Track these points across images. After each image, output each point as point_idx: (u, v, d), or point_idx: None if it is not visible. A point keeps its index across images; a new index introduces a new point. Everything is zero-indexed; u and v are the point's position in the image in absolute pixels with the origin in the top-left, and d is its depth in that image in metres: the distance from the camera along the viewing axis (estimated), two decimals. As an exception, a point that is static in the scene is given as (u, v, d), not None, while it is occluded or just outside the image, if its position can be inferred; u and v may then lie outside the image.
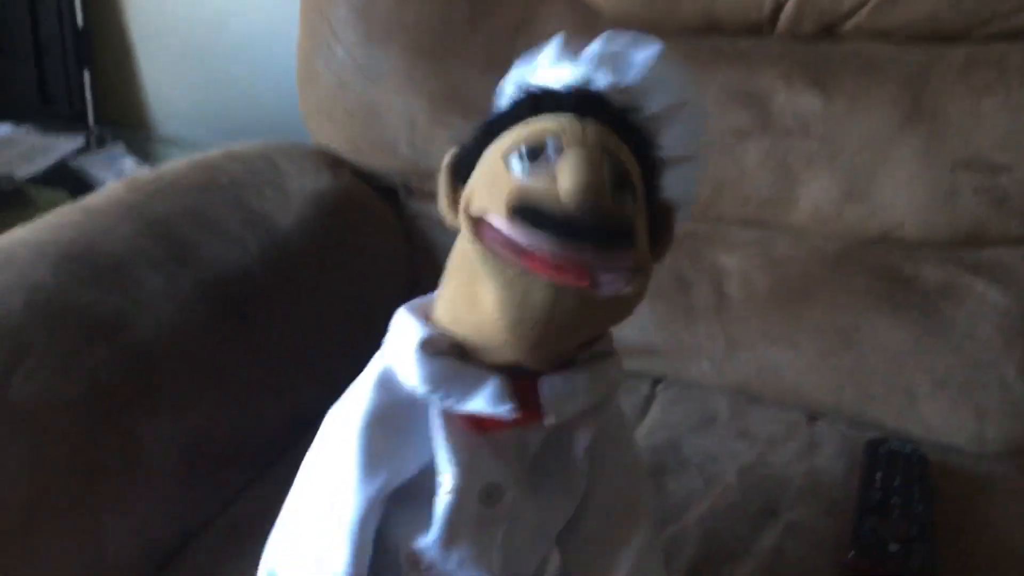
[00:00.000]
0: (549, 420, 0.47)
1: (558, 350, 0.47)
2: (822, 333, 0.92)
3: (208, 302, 0.81)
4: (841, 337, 0.92)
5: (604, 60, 0.47)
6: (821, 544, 0.74)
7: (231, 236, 0.87)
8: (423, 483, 0.50)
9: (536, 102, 0.46)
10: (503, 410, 0.46)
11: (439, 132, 1.01)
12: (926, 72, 0.91)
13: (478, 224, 0.44)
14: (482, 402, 0.46)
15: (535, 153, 0.43)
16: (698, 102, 0.50)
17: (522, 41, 0.98)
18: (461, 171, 0.47)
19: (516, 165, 0.43)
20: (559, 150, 0.42)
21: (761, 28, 0.96)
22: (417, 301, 0.51)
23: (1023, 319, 0.89)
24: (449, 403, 0.47)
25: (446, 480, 0.48)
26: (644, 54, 0.48)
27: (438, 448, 0.48)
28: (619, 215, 0.43)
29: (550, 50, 0.50)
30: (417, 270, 1.05)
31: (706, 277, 0.97)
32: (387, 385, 0.49)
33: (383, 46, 1.02)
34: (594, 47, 0.48)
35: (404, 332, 0.48)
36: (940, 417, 0.88)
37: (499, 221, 0.43)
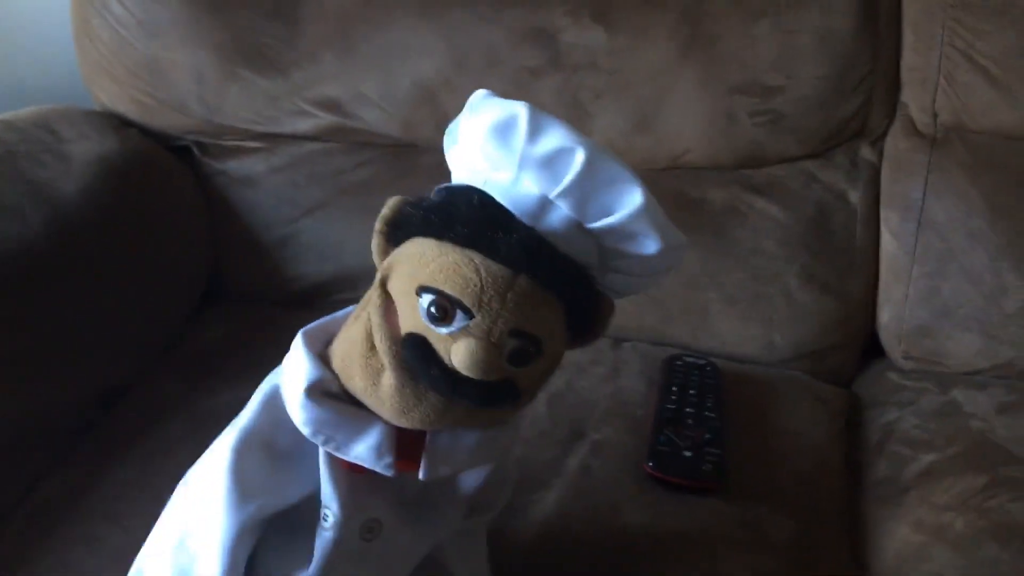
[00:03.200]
0: (424, 475, 0.49)
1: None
2: (622, 260, 0.96)
3: (-15, 281, 0.76)
4: (640, 263, 0.96)
5: (572, 192, 0.45)
6: (624, 458, 0.78)
7: (8, 209, 0.82)
8: (304, 513, 0.50)
9: (480, 236, 0.44)
10: (380, 465, 0.47)
11: (229, 86, 0.98)
12: (702, 0, 0.95)
13: (389, 306, 0.46)
14: (362, 453, 0.47)
15: (443, 313, 0.43)
16: (677, 252, 0.49)
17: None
18: (397, 226, 0.47)
19: (423, 310, 0.44)
20: (464, 324, 0.43)
21: (545, -35, 0.97)
22: (320, 325, 0.51)
23: (802, 232, 0.96)
24: (330, 448, 0.47)
25: (329, 516, 0.49)
26: (620, 202, 0.46)
27: (324, 482, 0.48)
28: (504, 385, 0.45)
29: (483, 127, 0.46)
30: (217, 229, 1.02)
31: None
32: (274, 404, 0.49)
33: (162, -2, 0.97)
34: (572, 175, 0.45)
35: (295, 367, 0.48)
36: (733, 331, 0.94)
37: (401, 328, 0.45)
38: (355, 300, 0.50)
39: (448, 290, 0.43)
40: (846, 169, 0.97)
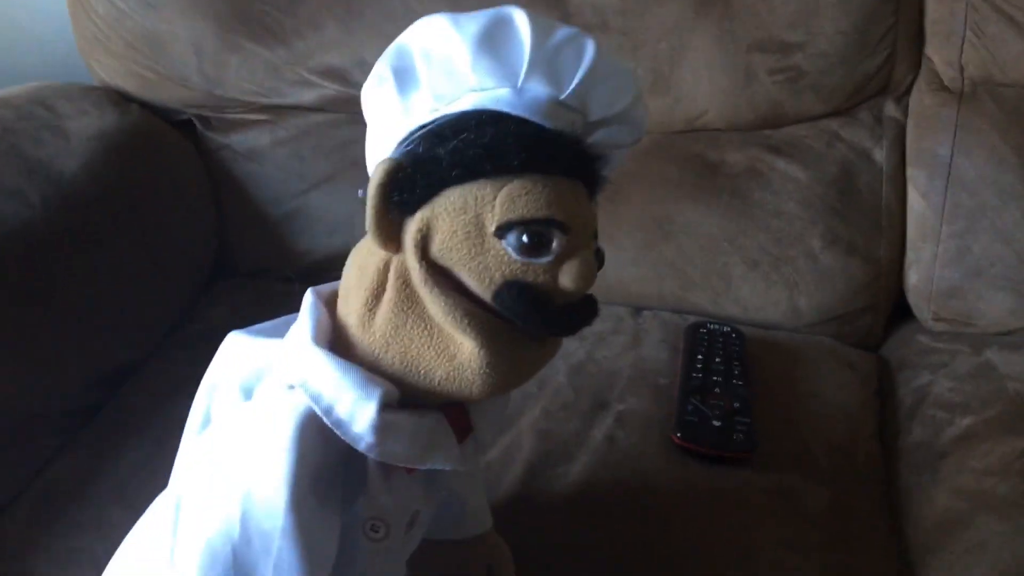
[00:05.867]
0: (474, 447, 0.46)
1: None
2: (640, 227, 0.93)
3: (-13, 264, 0.74)
4: (658, 229, 0.93)
5: (538, 65, 0.42)
6: (650, 429, 0.76)
7: (7, 189, 0.79)
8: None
9: (532, 158, 0.41)
10: (456, 462, 0.44)
11: (230, 57, 0.95)
12: (717, -45, 0.91)
13: (442, 274, 0.41)
14: (439, 457, 0.43)
15: (539, 244, 0.40)
16: (633, 88, 0.47)
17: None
18: (402, 192, 0.41)
19: (513, 245, 0.40)
20: (562, 246, 0.40)
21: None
22: (321, 322, 0.44)
23: (825, 192, 0.93)
24: (409, 463, 0.43)
25: (382, 527, 0.45)
26: (581, 60, 0.43)
27: (377, 495, 0.44)
28: (593, 301, 0.43)
29: (468, 40, 0.42)
30: (223, 204, 1.00)
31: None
32: (308, 441, 0.41)
33: (158, -33, 0.94)
34: (524, 48, 0.42)
35: (346, 389, 0.41)
36: (756, 296, 0.91)
37: (477, 288, 0.41)
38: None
39: (536, 215, 0.40)
40: (870, 127, 0.94)
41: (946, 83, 0.92)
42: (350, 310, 0.43)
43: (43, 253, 0.78)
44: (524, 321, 0.41)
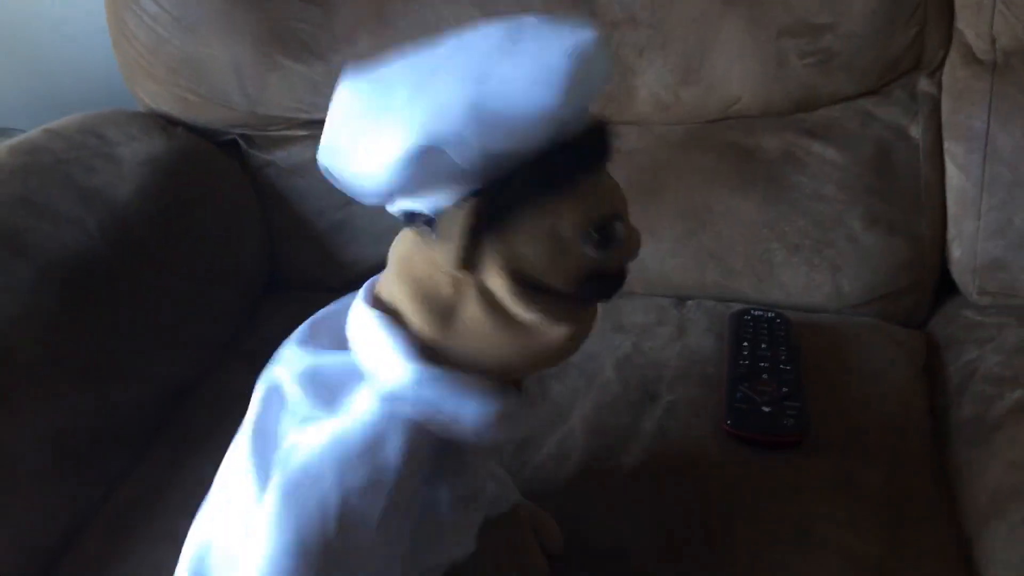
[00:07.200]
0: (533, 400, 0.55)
1: None
2: (678, 218, 0.94)
3: (51, 290, 0.77)
4: (697, 219, 0.94)
5: (576, 85, 0.43)
6: (700, 418, 0.77)
7: (65, 217, 0.82)
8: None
9: (574, 161, 0.45)
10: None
11: (269, 75, 0.98)
12: (741, -57, 0.92)
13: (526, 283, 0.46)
14: (529, 430, 0.54)
15: (610, 237, 0.46)
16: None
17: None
18: (486, 225, 0.45)
19: (592, 243, 0.45)
20: (624, 230, 0.47)
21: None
22: (403, 342, 0.47)
23: (863, 173, 0.93)
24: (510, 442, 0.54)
25: (487, 488, 0.54)
26: (597, 69, 0.44)
27: (477, 473, 0.53)
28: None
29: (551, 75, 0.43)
30: (270, 220, 1.02)
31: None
32: (417, 447, 0.47)
33: (195, -8, 0.97)
34: (565, 73, 0.43)
35: (464, 397, 0.47)
36: (798, 280, 0.92)
37: (561, 286, 0.46)
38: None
39: (602, 216, 0.45)
40: (904, 104, 0.94)
41: (978, 55, 0.92)
42: (421, 321, 0.47)
43: (102, 277, 0.81)
44: (605, 299, 0.48)
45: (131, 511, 0.73)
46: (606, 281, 0.47)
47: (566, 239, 0.45)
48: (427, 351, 0.47)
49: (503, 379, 0.49)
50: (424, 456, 0.47)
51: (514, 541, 0.60)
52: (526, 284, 0.46)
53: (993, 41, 0.91)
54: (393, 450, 0.46)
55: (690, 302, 0.93)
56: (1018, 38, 0.90)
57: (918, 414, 0.79)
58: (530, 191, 0.44)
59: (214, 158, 1.01)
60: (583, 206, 0.45)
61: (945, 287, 0.95)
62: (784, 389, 0.76)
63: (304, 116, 1.00)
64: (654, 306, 0.92)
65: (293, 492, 0.45)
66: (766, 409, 0.74)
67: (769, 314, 0.87)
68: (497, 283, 0.45)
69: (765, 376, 0.78)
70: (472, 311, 0.46)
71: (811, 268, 0.92)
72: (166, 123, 1.00)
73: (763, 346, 0.82)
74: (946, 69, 0.94)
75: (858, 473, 0.71)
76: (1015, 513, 0.66)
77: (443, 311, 0.47)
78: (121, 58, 1.02)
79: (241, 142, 1.03)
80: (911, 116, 0.94)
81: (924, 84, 0.94)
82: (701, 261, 0.93)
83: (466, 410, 0.47)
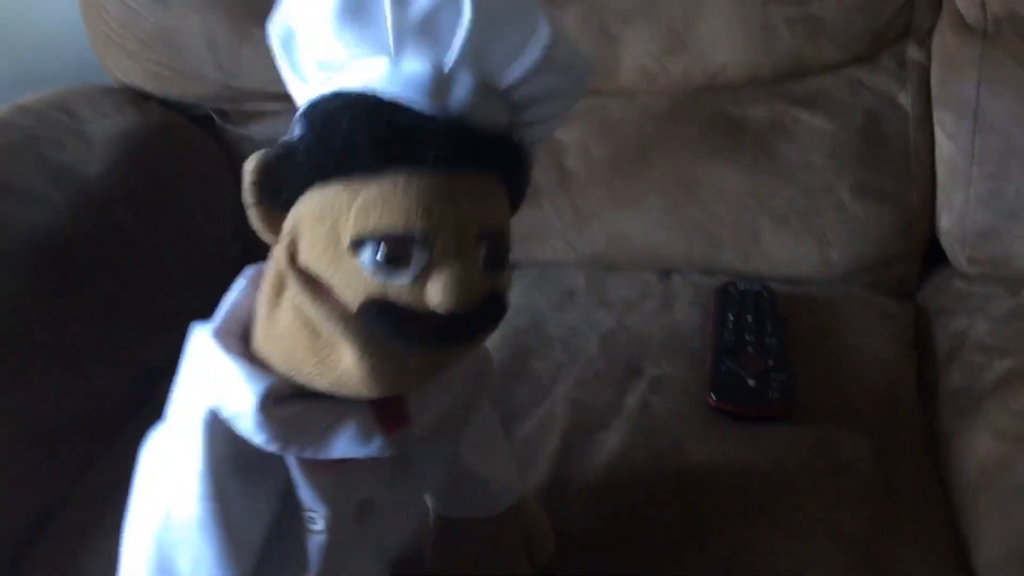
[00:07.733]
0: (419, 431, 0.43)
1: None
2: (665, 190, 0.92)
3: (20, 272, 0.75)
4: (683, 190, 0.92)
5: (410, 30, 0.36)
6: (685, 393, 0.75)
7: (34, 196, 0.80)
8: (284, 523, 0.44)
9: (391, 152, 0.36)
10: (371, 449, 0.40)
11: (244, 49, 0.95)
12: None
13: (315, 284, 0.37)
14: (346, 446, 0.40)
15: (396, 257, 0.35)
16: (586, 79, 0.42)
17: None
18: (273, 186, 0.38)
19: (367, 262, 0.36)
20: (427, 256, 0.36)
21: None
22: (227, 318, 0.42)
23: (852, 141, 0.91)
24: (308, 454, 0.40)
25: (318, 519, 0.43)
26: (525, 44, 0.38)
27: (301, 489, 0.42)
28: (492, 304, 0.38)
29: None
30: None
31: (545, 155, 0.95)
32: (218, 434, 0.40)
33: (167, -37, 0.94)
34: (464, 29, 0.36)
35: (231, 383, 0.39)
36: (786, 251, 0.91)
37: (344, 300, 0.37)
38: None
39: (390, 229, 0.35)
40: (893, 72, 0.92)
41: (968, 22, 0.90)
42: (262, 299, 0.40)
43: (72, 256, 0.79)
44: (392, 340, 0.37)
45: (102, 497, 0.71)
46: (392, 317, 0.36)
47: (344, 246, 0.36)
48: (251, 331, 0.41)
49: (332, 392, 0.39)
50: (234, 448, 0.40)
51: (503, 546, 0.58)
52: (309, 277, 0.38)
53: (984, 7, 0.89)
54: (196, 430, 0.40)
55: (676, 275, 0.92)
56: (1008, 4, 0.87)
57: (907, 385, 0.78)
58: (318, 164, 0.36)
59: (188, 133, 0.99)
60: (375, 211, 0.35)
61: (934, 256, 0.94)
62: (769, 362, 0.75)
63: (278, 89, 0.95)
64: (639, 280, 0.90)
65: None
66: (751, 382, 0.73)
67: (755, 287, 0.86)
68: (282, 267, 0.38)
69: (750, 349, 0.77)
70: (289, 295, 0.39)
71: (799, 238, 0.90)
72: (138, 98, 0.98)
73: (748, 319, 0.81)
74: (936, 36, 0.92)
75: (846, 447, 0.70)
76: (1003, 484, 0.65)
77: (271, 292, 0.39)
78: (92, 31, 1.00)
79: (215, 116, 1.01)
80: (900, 84, 0.92)
81: (913, 52, 0.92)
82: (688, 234, 0.92)
83: (231, 403, 0.39)
